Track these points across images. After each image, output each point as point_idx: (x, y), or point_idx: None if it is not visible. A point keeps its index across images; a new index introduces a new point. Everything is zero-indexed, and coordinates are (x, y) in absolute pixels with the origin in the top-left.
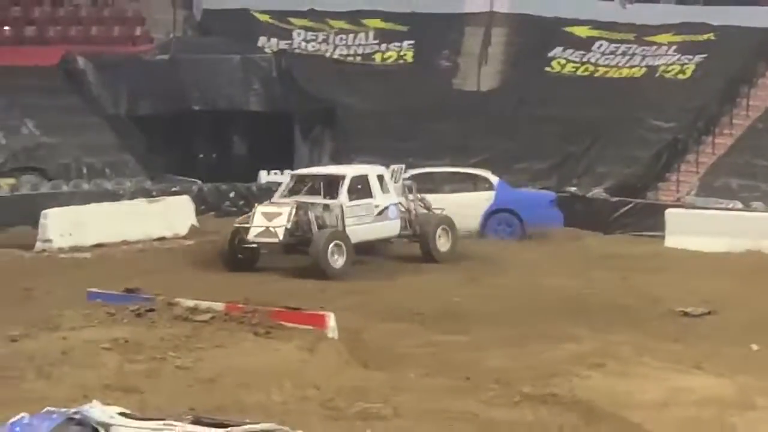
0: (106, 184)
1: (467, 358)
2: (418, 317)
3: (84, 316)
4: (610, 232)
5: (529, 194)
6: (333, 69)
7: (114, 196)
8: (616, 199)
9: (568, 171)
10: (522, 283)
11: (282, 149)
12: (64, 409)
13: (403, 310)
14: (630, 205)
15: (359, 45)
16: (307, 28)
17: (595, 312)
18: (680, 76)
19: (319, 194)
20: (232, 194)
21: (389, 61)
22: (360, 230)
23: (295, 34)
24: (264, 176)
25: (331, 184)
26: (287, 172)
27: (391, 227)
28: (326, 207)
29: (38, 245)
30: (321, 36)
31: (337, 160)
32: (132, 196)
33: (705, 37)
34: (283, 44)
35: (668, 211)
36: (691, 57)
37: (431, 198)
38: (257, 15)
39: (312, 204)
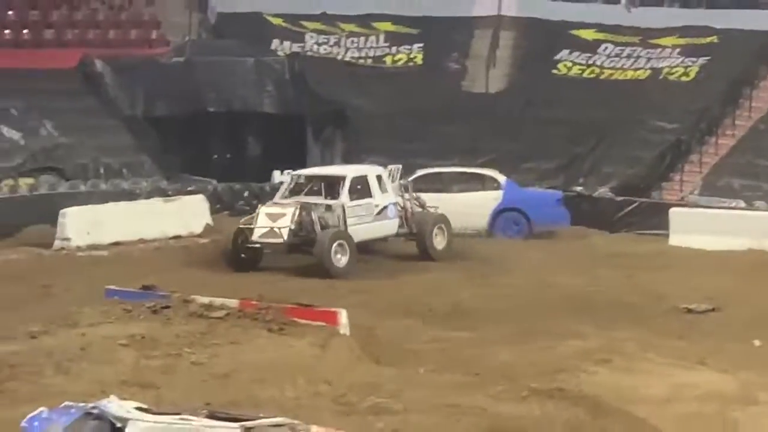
0: (123, 184)
1: (476, 354)
2: (427, 314)
3: (102, 313)
4: (616, 231)
5: (536, 194)
6: (344, 71)
7: (131, 196)
8: (621, 198)
9: (574, 171)
10: (529, 281)
11: (294, 150)
12: (82, 404)
13: (413, 308)
14: (635, 205)
15: (370, 48)
16: (319, 32)
17: (600, 309)
18: (684, 78)
19: (320, 195)
20: (246, 194)
21: (399, 63)
22: (361, 230)
23: (307, 37)
24: (277, 176)
25: (331, 185)
26: (288, 173)
27: (390, 226)
28: (328, 207)
29: (57, 243)
30: (333, 39)
31: (348, 160)
32: (148, 195)
33: (708, 40)
34: (295, 47)
35: (672, 211)
36: (694, 59)
37: (440, 197)
38: (270, 18)
39: (315, 205)
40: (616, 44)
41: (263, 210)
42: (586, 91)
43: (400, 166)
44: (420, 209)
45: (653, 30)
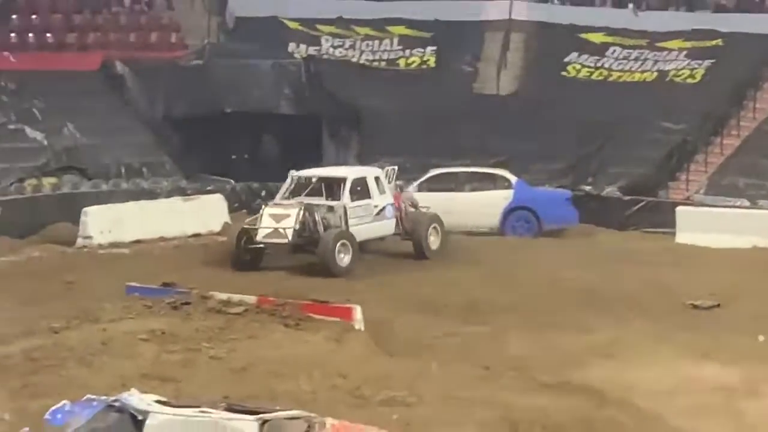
0: (143, 184)
1: (488, 348)
2: (440, 309)
3: (123, 309)
4: (623, 229)
5: (546, 193)
6: (359, 74)
7: (151, 195)
8: (628, 197)
9: (582, 171)
10: (539, 277)
11: (311, 150)
12: (104, 397)
13: (426, 303)
14: (642, 203)
15: (384, 51)
16: (334, 35)
17: (608, 304)
18: (690, 81)
19: (320, 195)
20: (263, 193)
21: (413, 66)
22: (361, 229)
23: (323, 40)
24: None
25: (332, 186)
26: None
27: (387, 226)
28: (330, 208)
29: (79, 241)
30: (348, 42)
31: (362, 160)
32: (168, 194)
33: (713, 43)
34: (311, 50)
35: (679, 209)
36: (700, 62)
37: (453, 196)
38: (287, 22)
39: (317, 205)
40: (624, 47)
41: (267, 211)
42: (595, 93)
43: (396, 167)
44: (413, 209)
45: (660, 33)
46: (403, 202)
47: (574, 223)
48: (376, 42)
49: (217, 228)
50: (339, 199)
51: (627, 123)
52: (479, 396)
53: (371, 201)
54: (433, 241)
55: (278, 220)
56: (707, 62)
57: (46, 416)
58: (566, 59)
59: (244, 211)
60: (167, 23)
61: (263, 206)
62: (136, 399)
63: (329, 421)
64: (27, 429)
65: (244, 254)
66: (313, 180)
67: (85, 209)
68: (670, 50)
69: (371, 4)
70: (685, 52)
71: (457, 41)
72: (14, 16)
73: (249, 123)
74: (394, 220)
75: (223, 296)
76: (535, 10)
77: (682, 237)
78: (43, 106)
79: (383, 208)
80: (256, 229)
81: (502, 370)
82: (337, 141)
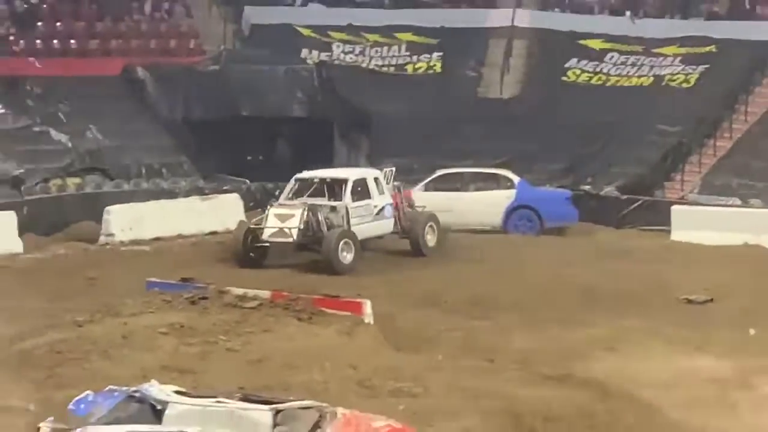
0: (163, 184)
1: (491, 342)
2: (446, 305)
3: (143, 304)
4: (621, 227)
5: (547, 192)
6: (369, 78)
7: (170, 194)
8: (626, 196)
9: (582, 171)
10: (541, 274)
11: (322, 151)
12: (125, 388)
13: (433, 298)
14: (639, 202)
15: (393, 56)
16: (345, 42)
17: (607, 299)
18: (684, 85)
19: (323, 196)
20: (277, 192)
21: (420, 71)
22: (362, 229)
23: (334, 46)
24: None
25: (333, 187)
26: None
27: (387, 225)
28: (333, 208)
29: (102, 239)
30: (358, 48)
31: (372, 161)
32: (186, 194)
33: (707, 49)
34: (323, 56)
35: (674, 208)
36: (694, 67)
37: (458, 196)
38: (300, 29)
39: (320, 206)
40: (622, 53)
41: (272, 211)
42: (594, 97)
43: (394, 168)
44: (410, 209)
45: (656, 40)
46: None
47: (574, 222)
48: (385, 48)
49: (233, 226)
50: (341, 200)
51: (624, 125)
52: (483, 388)
53: (371, 201)
54: (430, 239)
55: (283, 220)
56: (701, 68)
57: (70, 406)
58: (566, 65)
59: (259, 209)
60: (186, 30)
61: (268, 207)
62: (155, 390)
63: (340, 410)
64: (52, 418)
65: (250, 252)
66: (316, 181)
67: (107, 208)
68: (666, 56)
69: (380, 12)
70: (679, 58)
71: (462, 47)
72: (39, 24)
73: (263, 126)
74: (392, 219)
75: (239, 291)
76: (536, 18)
77: (677, 235)
78: (68, 110)
79: (382, 208)
80: (262, 229)
81: (506, 363)
82: (347, 143)
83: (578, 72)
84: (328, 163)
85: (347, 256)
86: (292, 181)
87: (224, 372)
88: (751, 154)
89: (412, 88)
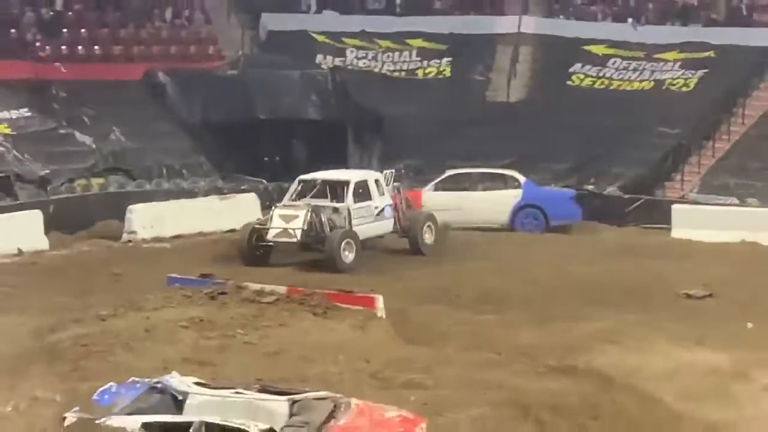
0: (183, 184)
1: (499, 335)
2: (456, 300)
3: (164, 298)
4: (623, 225)
5: (552, 192)
6: (381, 83)
7: (190, 194)
8: (628, 196)
9: (586, 171)
10: (547, 270)
11: (336, 153)
12: (147, 379)
13: (443, 294)
14: (640, 201)
15: (404, 62)
16: (358, 47)
17: (610, 295)
18: (684, 89)
19: (325, 197)
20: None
21: (430, 76)
22: (363, 229)
23: (348, 52)
24: None
25: (336, 189)
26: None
27: (387, 225)
28: (335, 209)
29: (124, 236)
30: (370, 54)
31: (384, 162)
32: (206, 193)
33: (706, 54)
34: (337, 61)
35: (674, 207)
36: (693, 72)
37: (467, 195)
38: (315, 36)
39: (323, 207)
40: (624, 58)
41: (277, 212)
42: (597, 101)
43: (394, 171)
44: (409, 209)
45: (657, 46)
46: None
47: (578, 220)
48: (397, 54)
49: None
50: (343, 201)
51: (627, 128)
52: (492, 380)
53: (372, 202)
54: (428, 238)
55: (287, 220)
56: (700, 72)
57: (94, 397)
58: (570, 69)
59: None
60: (205, 37)
61: (273, 207)
62: (176, 381)
63: (354, 401)
64: (77, 408)
65: (255, 251)
66: (318, 183)
67: (130, 207)
68: (666, 61)
69: (392, 19)
70: (679, 63)
71: (470, 53)
72: (65, 30)
73: (280, 128)
74: (392, 220)
75: (257, 287)
76: (542, 25)
77: (677, 232)
78: (92, 113)
79: (383, 209)
80: (267, 229)
81: (513, 356)
82: (360, 144)
83: (582, 76)
84: (342, 164)
85: (349, 255)
86: (296, 182)
87: (242, 364)
88: (749, 156)
89: (422, 92)
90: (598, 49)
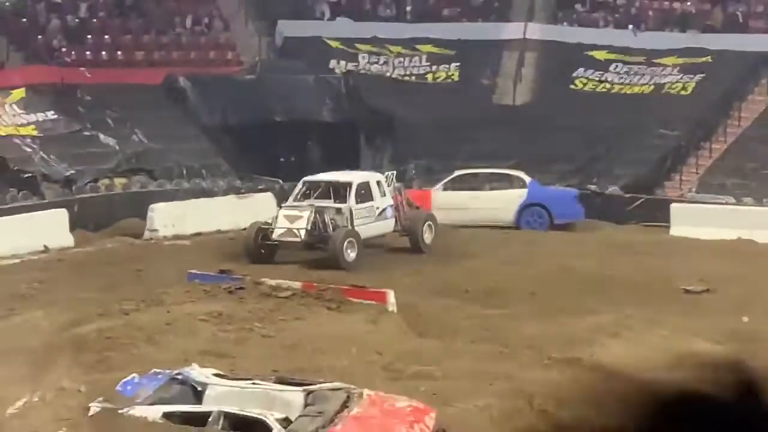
0: (202, 183)
1: (506, 328)
2: (464, 295)
3: (185, 294)
4: (624, 223)
5: (556, 191)
6: (392, 87)
7: (209, 193)
8: (629, 195)
9: (588, 172)
10: (551, 266)
11: (349, 153)
12: (168, 371)
13: (452, 289)
14: (641, 200)
15: (414, 67)
16: (370, 53)
17: (612, 290)
18: (683, 93)
19: (328, 198)
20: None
21: (439, 80)
22: (365, 228)
23: (360, 57)
24: None
25: (339, 190)
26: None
27: (388, 225)
28: (338, 210)
29: (146, 234)
30: (382, 59)
31: (395, 162)
32: (224, 193)
33: (703, 59)
34: (350, 66)
35: (673, 205)
36: (691, 76)
37: (474, 194)
38: (329, 42)
39: (326, 207)
40: (625, 63)
41: (282, 212)
42: (599, 104)
43: (395, 172)
44: (409, 209)
45: (656, 51)
46: (401, 203)
47: (581, 218)
48: (407, 59)
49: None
50: (345, 202)
51: (627, 130)
52: (498, 371)
53: (373, 203)
54: (427, 237)
55: (292, 221)
56: (698, 77)
57: (118, 387)
58: (574, 74)
59: None
60: (224, 42)
61: (278, 208)
62: (196, 372)
63: (366, 391)
64: (101, 399)
65: (261, 249)
66: (322, 184)
67: (151, 206)
68: (665, 66)
69: (403, 25)
70: (678, 68)
71: (478, 58)
72: (89, 37)
73: (295, 130)
74: (393, 219)
75: (273, 282)
76: (546, 31)
77: (676, 230)
78: (115, 116)
79: (384, 209)
80: (272, 229)
81: (519, 349)
82: (372, 146)
83: (585, 81)
84: (355, 164)
85: (351, 254)
86: (300, 183)
87: (259, 356)
88: (744, 156)
89: (432, 96)
90: (600, 55)
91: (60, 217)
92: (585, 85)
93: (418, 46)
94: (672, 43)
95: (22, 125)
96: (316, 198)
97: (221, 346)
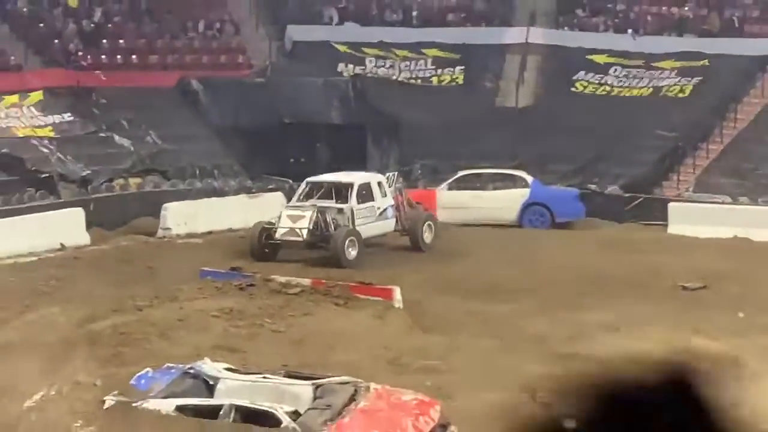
0: (214, 183)
1: (508, 324)
2: (468, 291)
3: (197, 290)
4: (623, 222)
5: (557, 191)
6: (398, 89)
7: (221, 193)
8: (628, 194)
9: (589, 172)
10: (553, 263)
11: (356, 154)
12: (181, 365)
13: (456, 286)
14: (639, 200)
15: (420, 70)
16: (377, 57)
17: (612, 286)
18: (680, 95)
19: (330, 198)
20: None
21: (444, 83)
22: (366, 228)
23: (367, 61)
24: None
25: (340, 190)
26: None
27: (389, 224)
28: (340, 210)
29: (159, 232)
30: (389, 63)
31: (401, 163)
32: (235, 192)
33: (701, 63)
34: (358, 69)
35: (671, 205)
36: (689, 79)
37: (478, 194)
38: (337, 46)
39: (328, 208)
40: (624, 67)
41: (285, 212)
42: (599, 106)
43: (396, 173)
44: (410, 208)
45: (655, 55)
46: (402, 202)
47: (581, 217)
48: (413, 62)
49: None
50: (347, 202)
51: (627, 131)
52: (501, 365)
53: (374, 203)
54: (427, 237)
55: (295, 220)
56: (695, 80)
57: (132, 381)
58: (575, 77)
59: None
60: (235, 47)
61: (282, 208)
62: (208, 366)
63: (373, 385)
64: (116, 392)
65: (264, 248)
66: (324, 184)
67: (165, 205)
68: (663, 69)
69: (409, 30)
70: (676, 71)
71: (481, 62)
72: (104, 41)
73: (304, 131)
74: (393, 219)
75: (283, 279)
76: (548, 35)
77: (674, 228)
78: (130, 118)
79: (385, 209)
80: (275, 228)
81: (522, 344)
82: (379, 147)
83: (585, 83)
84: (362, 165)
85: (352, 253)
86: (303, 184)
87: (270, 351)
88: (740, 157)
89: (436, 98)
90: (600, 58)
91: (76, 216)
92: (585, 88)
93: (423, 50)
94: (670, 47)
95: (39, 127)
96: (318, 198)
97: (232, 341)
